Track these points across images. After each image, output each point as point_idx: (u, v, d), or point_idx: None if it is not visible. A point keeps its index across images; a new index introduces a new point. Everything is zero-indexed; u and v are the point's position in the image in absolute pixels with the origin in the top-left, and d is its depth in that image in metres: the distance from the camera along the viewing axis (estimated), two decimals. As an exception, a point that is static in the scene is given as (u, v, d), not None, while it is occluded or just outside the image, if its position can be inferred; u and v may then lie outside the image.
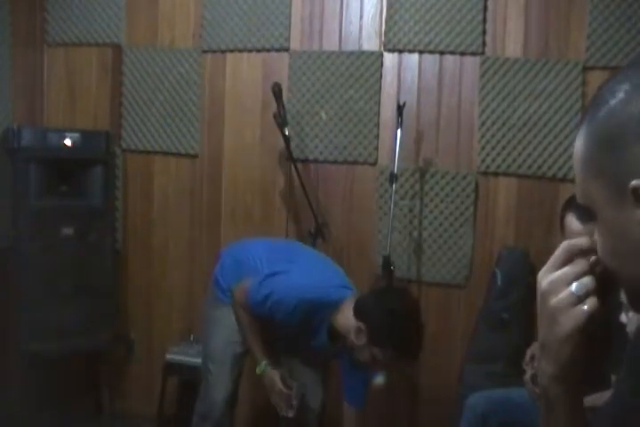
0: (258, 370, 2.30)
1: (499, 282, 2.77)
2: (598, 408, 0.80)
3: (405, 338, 2.01)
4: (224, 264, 2.48)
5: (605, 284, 0.70)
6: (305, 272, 2.28)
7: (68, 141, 3.00)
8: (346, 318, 2.11)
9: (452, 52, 2.89)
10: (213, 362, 2.48)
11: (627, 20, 2.67)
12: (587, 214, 2.17)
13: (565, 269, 0.70)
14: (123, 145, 3.29)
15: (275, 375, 2.28)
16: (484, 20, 2.85)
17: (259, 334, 2.32)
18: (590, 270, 0.69)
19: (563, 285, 0.69)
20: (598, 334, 0.69)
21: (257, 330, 2.31)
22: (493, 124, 2.84)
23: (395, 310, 2.02)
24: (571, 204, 2.22)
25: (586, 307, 0.68)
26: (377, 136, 2.99)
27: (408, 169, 2.92)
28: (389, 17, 2.95)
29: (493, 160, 2.85)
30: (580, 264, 0.70)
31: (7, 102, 3.27)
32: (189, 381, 2.96)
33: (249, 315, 2.27)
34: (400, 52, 2.96)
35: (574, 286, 0.69)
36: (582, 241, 0.71)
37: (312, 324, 2.22)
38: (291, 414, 2.29)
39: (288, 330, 2.29)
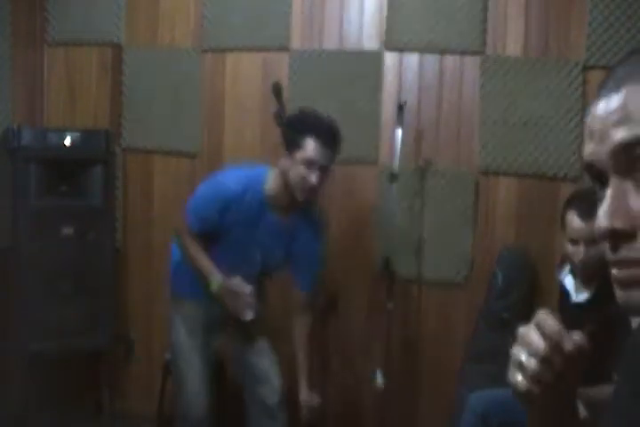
0: (213, 286, 2.33)
1: (499, 282, 2.77)
2: (603, 410, 0.80)
3: (319, 124, 2.30)
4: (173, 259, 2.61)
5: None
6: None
7: (67, 141, 3.00)
8: (276, 176, 2.35)
9: (453, 52, 2.89)
10: (180, 358, 2.56)
11: (627, 19, 2.67)
12: (588, 212, 2.18)
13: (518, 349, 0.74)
14: (123, 144, 3.29)
15: (229, 283, 2.32)
16: (485, 20, 2.85)
17: (203, 253, 2.39)
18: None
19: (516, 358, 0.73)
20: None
21: (201, 249, 2.39)
22: (494, 123, 2.84)
23: (305, 109, 2.38)
24: (572, 201, 2.22)
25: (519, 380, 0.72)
26: (377, 136, 2.99)
27: (408, 168, 2.92)
28: (390, 16, 2.95)
29: (493, 160, 2.85)
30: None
31: (7, 102, 3.27)
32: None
33: (191, 237, 2.39)
34: (400, 51, 2.96)
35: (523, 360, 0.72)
36: (551, 325, 0.72)
37: (253, 209, 2.36)
38: (250, 316, 2.32)
39: (238, 232, 2.38)
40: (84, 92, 3.36)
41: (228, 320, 2.48)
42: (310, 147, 2.27)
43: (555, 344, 0.70)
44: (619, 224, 0.60)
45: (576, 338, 0.72)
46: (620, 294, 0.63)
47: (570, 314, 2.32)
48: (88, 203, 3.07)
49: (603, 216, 0.62)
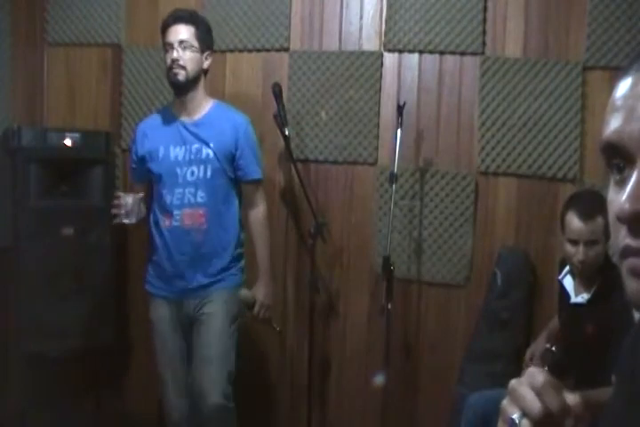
0: None
1: (499, 282, 2.77)
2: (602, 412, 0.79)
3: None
4: None
5: None
6: None
7: (68, 141, 3.00)
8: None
9: (452, 52, 2.89)
10: (160, 362, 2.66)
11: (627, 20, 2.67)
12: (588, 212, 2.18)
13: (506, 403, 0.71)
14: (123, 145, 3.29)
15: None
16: (484, 20, 2.85)
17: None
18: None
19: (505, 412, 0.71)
20: None
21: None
22: (493, 124, 2.84)
23: None
24: (572, 202, 2.22)
25: None
26: (377, 136, 2.99)
27: (408, 169, 2.93)
28: (389, 17, 2.95)
29: (493, 160, 2.85)
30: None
31: (7, 102, 3.27)
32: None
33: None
34: (400, 52, 2.96)
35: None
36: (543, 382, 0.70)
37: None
38: (127, 221, 2.54)
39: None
40: (84, 92, 3.36)
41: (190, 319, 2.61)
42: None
43: (546, 406, 0.68)
44: None
45: (571, 399, 0.69)
46: (632, 284, 0.60)
47: (569, 314, 2.33)
48: (88, 203, 3.07)
49: (628, 199, 0.58)
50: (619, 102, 0.61)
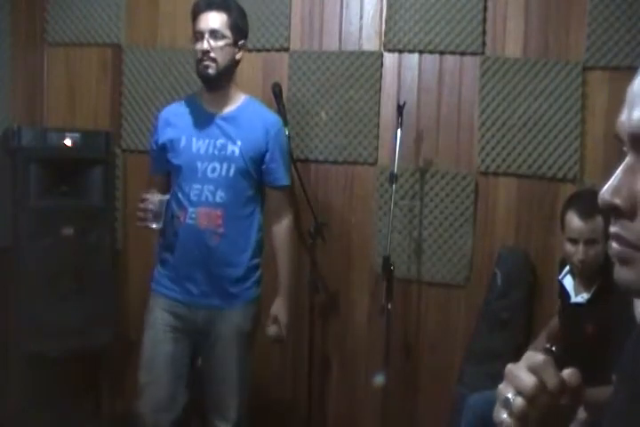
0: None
1: (499, 282, 2.77)
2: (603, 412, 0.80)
3: None
4: None
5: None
6: None
7: (68, 141, 3.00)
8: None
9: (452, 52, 2.89)
10: (142, 367, 2.45)
11: (627, 20, 2.67)
12: (588, 211, 2.18)
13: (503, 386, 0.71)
14: (123, 145, 3.29)
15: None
16: (484, 20, 2.85)
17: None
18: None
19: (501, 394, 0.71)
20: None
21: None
22: (493, 124, 2.84)
23: None
24: (572, 201, 2.23)
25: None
26: (377, 136, 2.99)
27: (408, 169, 2.93)
28: (389, 17, 2.95)
29: (493, 160, 2.85)
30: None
31: (7, 102, 3.27)
32: (189, 381, 2.96)
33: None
34: (400, 52, 2.96)
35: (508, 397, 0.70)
36: (539, 360, 0.70)
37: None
38: (155, 225, 2.33)
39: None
40: (84, 92, 3.36)
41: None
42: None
43: (542, 382, 0.68)
44: (619, 201, 0.61)
45: (568, 373, 0.70)
46: (616, 268, 0.64)
47: (569, 314, 2.33)
48: (88, 203, 3.07)
49: (606, 190, 0.62)
50: (627, 97, 0.65)
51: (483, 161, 2.86)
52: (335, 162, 3.05)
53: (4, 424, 2.94)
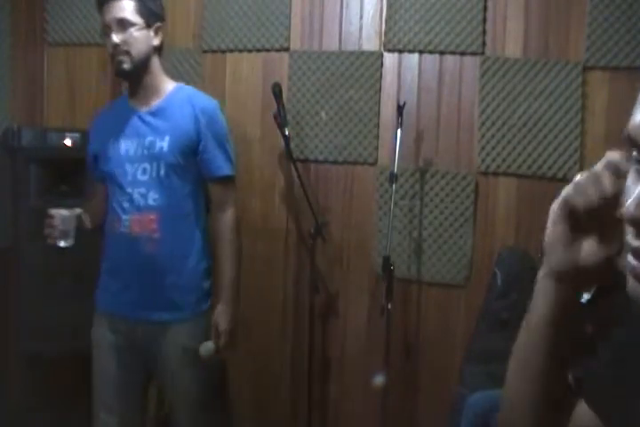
0: None
1: (499, 282, 2.77)
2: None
3: None
4: None
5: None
6: None
7: (68, 141, 3.00)
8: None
9: (452, 52, 2.89)
10: (94, 391, 2.29)
11: (627, 20, 2.67)
12: None
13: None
14: (123, 145, 3.29)
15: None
16: (484, 20, 2.85)
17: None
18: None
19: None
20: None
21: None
22: (493, 124, 2.84)
23: None
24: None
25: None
26: (377, 136, 2.99)
27: (408, 169, 2.93)
28: (389, 17, 2.95)
29: (493, 160, 2.85)
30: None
31: (7, 102, 3.27)
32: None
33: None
34: (400, 52, 2.96)
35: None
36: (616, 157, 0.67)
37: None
38: (63, 243, 2.17)
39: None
40: (84, 92, 3.36)
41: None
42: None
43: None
44: None
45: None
46: (632, 284, 0.61)
47: (569, 314, 2.33)
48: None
49: (633, 203, 0.59)
50: None
51: (483, 161, 2.86)
52: (335, 162, 3.05)
53: (4, 424, 2.94)
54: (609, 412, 0.72)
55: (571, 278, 0.73)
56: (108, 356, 2.23)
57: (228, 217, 2.25)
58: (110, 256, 2.25)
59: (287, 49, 3.08)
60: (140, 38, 2.12)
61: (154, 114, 2.19)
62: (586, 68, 2.75)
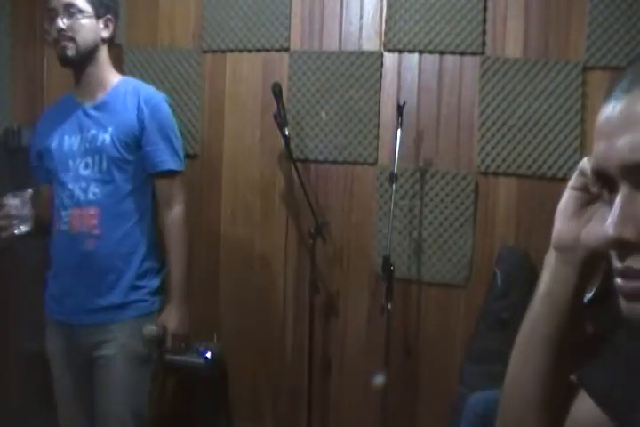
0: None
1: (499, 282, 2.77)
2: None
3: None
4: None
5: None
6: None
7: (67, 141, 3.00)
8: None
9: (452, 52, 2.89)
10: (57, 404, 2.20)
11: (627, 20, 2.68)
12: None
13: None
14: (123, 145, 3.29)
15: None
16: (484, 20, 2.85)
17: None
18: None
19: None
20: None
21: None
22: (493, 124, 2.84)
23: None
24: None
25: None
26: (377, 136, 2.99)
27: (408, 169, 2.93)
28: (389, 17, 2.95)
29: (493, 160, 2.85)
30: None
31: (7, 102, 3.27)
32: (189, 381, 2.96)
33: None
34: (400, 52, 2.96)
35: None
36: None
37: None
38: (24, 228, 2.03)
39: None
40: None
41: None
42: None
43: None
44: (627, 234, 0.59)
45: None
46: (623, 305, 0.61)
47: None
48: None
49: (611, 225, 0.59)
50: (601, 127, 0.63)
51: (483, 161, 2.86)
52: (335, 162, 3.05)
53: (4, 424, 2.94)
54: (618, 411, 0.73)
55: (567, 249, 0.76)
56: (59, 366, 2.14)
57: (175, 214, 2.15)
58: (53, 258, 2.15)
59: (287, 49, 3.08)
60: (88, 27, 2.06)
61: (97, 107, 2.13)
62: (586, 68, 2.75)
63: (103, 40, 2.13)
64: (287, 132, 2.79)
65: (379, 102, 2.98)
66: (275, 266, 3.13)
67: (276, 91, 2.81)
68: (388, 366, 2.69)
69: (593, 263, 0.74)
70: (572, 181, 0.74)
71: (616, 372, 0.76)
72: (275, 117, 2.80)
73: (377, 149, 2.99)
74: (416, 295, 2.97)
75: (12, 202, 2.02)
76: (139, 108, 2.10)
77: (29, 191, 2.08)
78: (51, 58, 3.37)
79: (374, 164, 3.01)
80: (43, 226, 2.14)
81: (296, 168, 2.84)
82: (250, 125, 3.14)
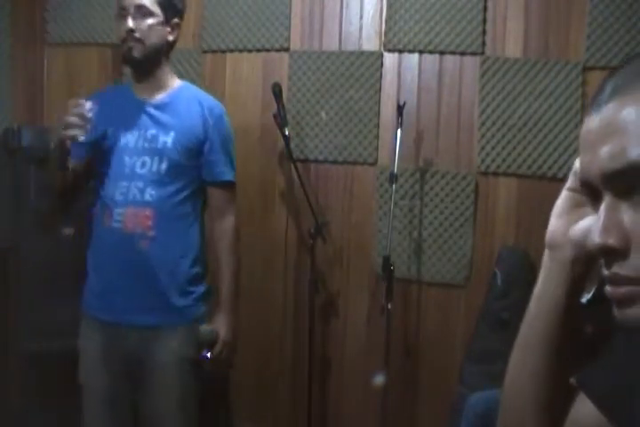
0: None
1: (499, 282, 2.77)
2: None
3: None
4: None
5: None
6: None
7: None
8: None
9: (452, 52, 2.89)
10: (84, 405, 2.10)
11: (627, 20, 2.68)
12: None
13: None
14: (123, 145, 3.29)
15: None
16: (484, 20, 2.85)
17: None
18: None
19: None
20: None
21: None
22: (493, 124, 2.84)
23: None
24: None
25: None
26: (377, 136, 2.99)
27: (408, 169, 2.93)
28: (389, 17, 2.95)
29: (493, 160, 2.85)
30: None
31: (7, 102, 3.27)
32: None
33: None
34: (400, 52, 2.96)
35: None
36: None
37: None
38: (83, 138, 1.88)
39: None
40: (84, 92, 3.35)
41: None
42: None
43: None
44: (612, 241, 0.60)
45: None
46: (615, 311, 0.63)
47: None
48: (88, 203, 3.07)
49: (596, 233, 0.61)
50: (585, 139, 0.64)
51: (483, 161, 2.86)
52: (335, 162, 3.05)
53: (4, 424, 2.94)
54: (617, 413, 0.73)
55: (557, 247, 0.77)
56: (94, 367, 2.07)
57: (228, 225, 2.17)
58: (99, 254, 2.11)
59: (287, 49, 3.08)
60: (156, 30, 2.04)
61: (158, 107, 2.10)
62: (586, 68, 2.75)
63: (168, 43, 2.12)
64: (287, 132, 2.79)
65: (379, 102, 2.98)
66: (275, 266, 3.13)
67: (276, 91, 2.81)
68: (388, 366, 2.69)
69: (587, 263, 0.74)
70: (567, 183, 0.76)
71: (615, 374, 0.76)
72: (275, 117, 2.80)
73: (377, 149, 2.99)
74: (416, 295, 2.97)
75: (89, 106, 1.90)
76: (204, 117, 2.10)
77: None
78: (51, 58, 3.38)
79: (374, 164, 3.01)
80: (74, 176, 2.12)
81: (296, 168, 2.84)
82: (250, 125, 3.14)
